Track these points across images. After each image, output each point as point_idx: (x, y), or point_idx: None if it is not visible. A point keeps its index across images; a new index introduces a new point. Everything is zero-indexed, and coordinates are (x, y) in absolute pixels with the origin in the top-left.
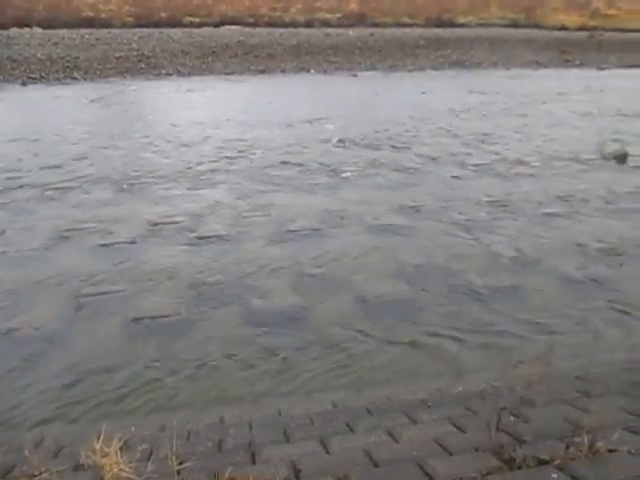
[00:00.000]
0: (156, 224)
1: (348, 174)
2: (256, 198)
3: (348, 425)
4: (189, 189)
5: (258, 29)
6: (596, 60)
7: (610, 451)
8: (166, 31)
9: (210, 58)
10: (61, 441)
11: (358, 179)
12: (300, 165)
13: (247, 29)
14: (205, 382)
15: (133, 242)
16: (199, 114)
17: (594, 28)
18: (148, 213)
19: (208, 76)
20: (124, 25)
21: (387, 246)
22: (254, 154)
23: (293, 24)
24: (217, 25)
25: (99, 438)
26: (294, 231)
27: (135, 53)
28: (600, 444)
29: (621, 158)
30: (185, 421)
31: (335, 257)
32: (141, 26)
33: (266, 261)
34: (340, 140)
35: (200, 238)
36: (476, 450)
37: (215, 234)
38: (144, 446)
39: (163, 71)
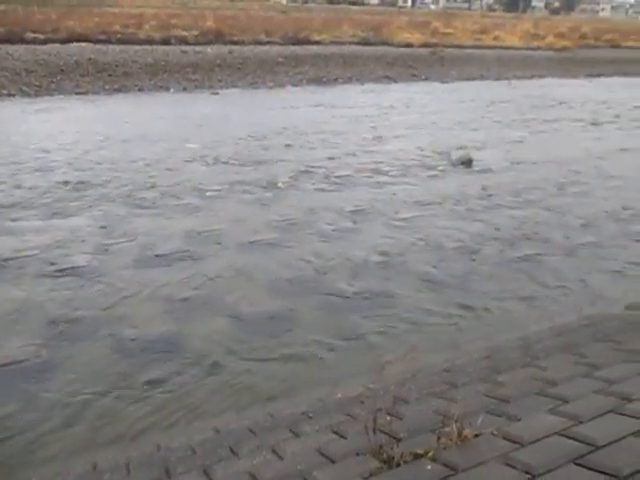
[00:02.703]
0: (6, 259)
1: (214, 192)
2: (119, 224)
3: (232, 449)
4: (41, 219)
5: (111, 46)
6: (439, 74)
7: (476, 436)
8: (4, 47)
9: (59, 77)
10: None
11: (225, 197)
12: (163, 186)
13: (98, 46)
14: (74, 428)
15: None
16: (49, 136)
17: (435, 45)
18: None
19: (58, 96)
20: None
21: (259, 263)
22: (112, 178)
23: (148, 41)
24: (65, 42)
25: None
26: (162, 255)
27: None
28: (467, 431)
29: (467, 163)
30: (51, 475)
31: (207, 278)
32: None
33: (134, 289)
34: (204, 158)
35: (59, 271)
36: (357, 454)
37: (75, 265)
38: None
39: (4, 91)
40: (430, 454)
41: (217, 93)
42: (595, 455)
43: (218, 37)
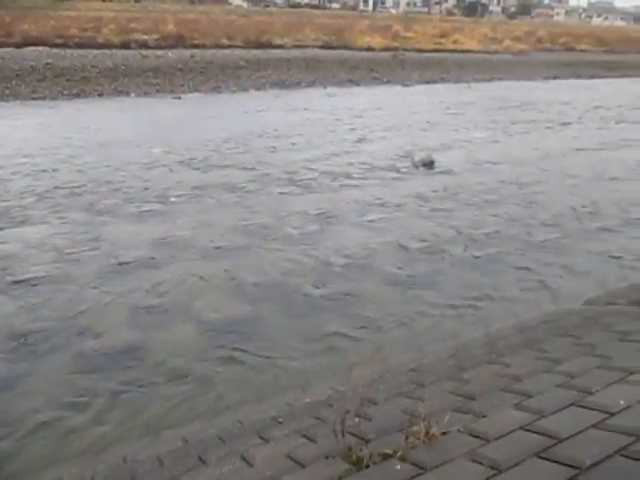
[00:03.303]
0: None
1: (178, 198)
2: (81, 232)
3: (200, 458)
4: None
5: (68, 50)
6: (401, 77)
7: (443, 433)
8: None
9: (14, 82)
10: None
11: (189, 202)
12: (127, 192)
13: (55, 50)
14: (36, 443)
15: None
16: (7, 142)
17: (396, 49)
18: None
19: (13, 102)
20: None
21: (224, 268)
22: (74, 185)
23: (107, 45)
24: (19, 46)
25: None
26: (126, 263)
27: None
28: (434, 429)
29: (429, 164)
30: None
31: (173, 285)
32: None
33: (97, 299)
34: (169, 163)
35: (17, 282)
36: (326, 458)
37: (35, 276)
38: None
39: None
40: (399, 454)
41: (179, 97)
42: (558, 448)
43: (179, 41)
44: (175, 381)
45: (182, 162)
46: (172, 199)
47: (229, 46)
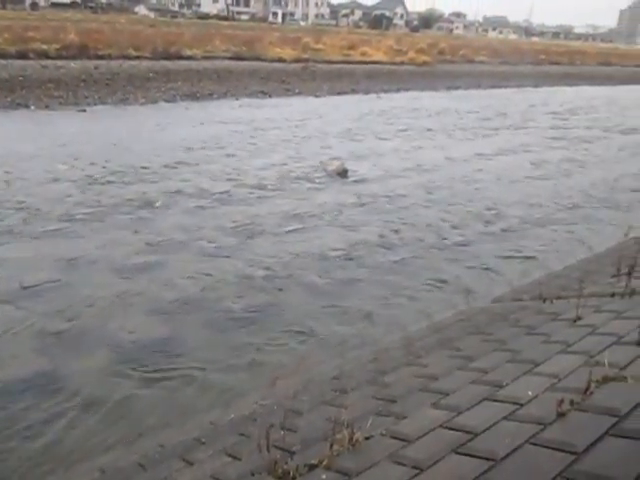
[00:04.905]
0: None
1: (86, 215)
2: None
3: None
4: None
5: None
6: (312, 89)
7: (367, 438)
8: None
9: None
10: None
11: (98, 219)
12: (30, 211)
13: None
14: None
15: None
16: None
17: (307, 60)
18: None
19: None
20: None
21: (138, 287)
22: None
23: (2, 55)
24: None
25: None
26: (31, 287)
27: None
28: (358, 434)
29: (343, 173)
30: None
31: (82, 308)
32: None
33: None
34: (75, 178)
35: None
36: (252, 474)
37: None
38: None
39: None
40: (324, 463)
41: (84, 110)
42: (474, 442)
43: (82, 51)
44: (91, 409)
45: (90, 178)
46: (79, 216)
47: (136, 57)
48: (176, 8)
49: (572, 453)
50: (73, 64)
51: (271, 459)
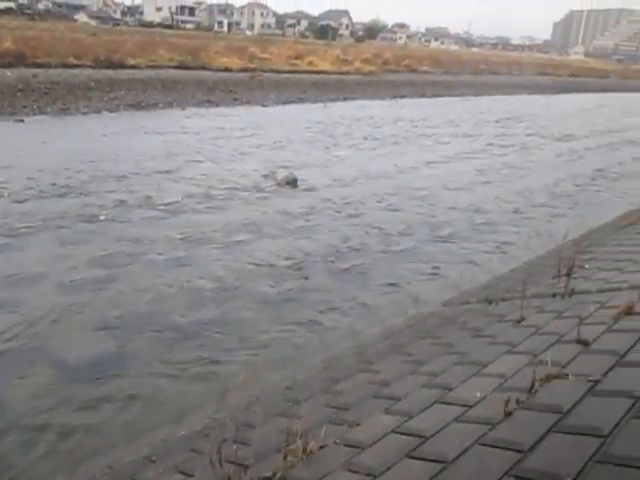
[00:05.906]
0: None
1: (28, 229)
2: None
3: None
4: None
5: None
6: (260, 98)
7: (321, 447)
8: None
9: None
10: None
11: (40, 233)
12: None
13: None
14: None
15: None
16: None
17: (254, 70)
18: None
19: None
20: None
21: (84, 302)
22: None
23: None
24: None
25: None
26: None
27: None
28: (312, 444)
29: (293, 183)
30: None
31: (24, 326)
32: None
33: None
34: (13, 192)
35: None
36: None
37: None
38: None
39: None
40: (278, 475)
41: (22, 121)
42: (425, 446)
43: (19, 59)
44: (31, 435)
45: (31, 190)
46: (20, 230)
47: (77, 65)
48: (118, 16)
49: (519, 451)
50: (9, 72)
51: (224, 474)
